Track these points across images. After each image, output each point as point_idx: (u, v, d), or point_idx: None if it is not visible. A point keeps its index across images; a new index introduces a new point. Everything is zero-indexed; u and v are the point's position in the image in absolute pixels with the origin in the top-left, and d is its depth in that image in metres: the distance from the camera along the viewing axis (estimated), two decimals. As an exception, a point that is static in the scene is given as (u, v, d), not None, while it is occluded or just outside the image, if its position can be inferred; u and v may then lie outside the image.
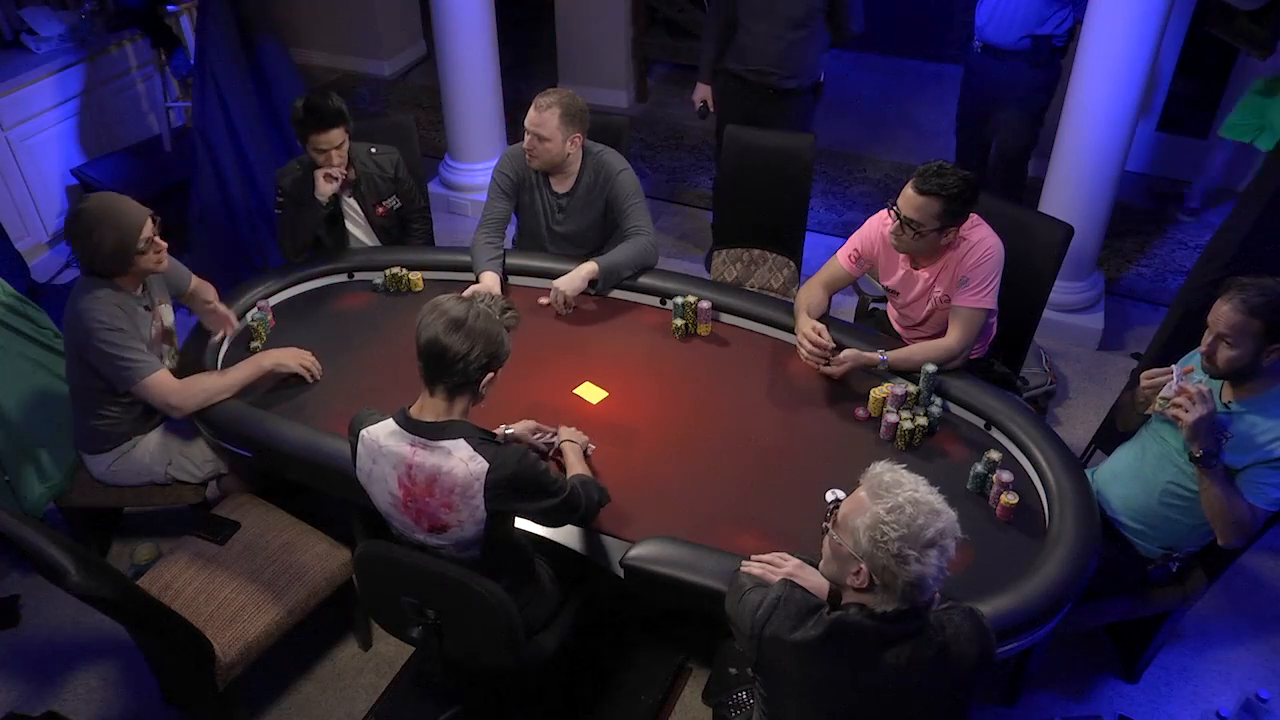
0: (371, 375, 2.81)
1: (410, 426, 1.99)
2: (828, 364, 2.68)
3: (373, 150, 3.27)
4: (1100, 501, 2.49)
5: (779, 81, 3.84)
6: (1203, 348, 2.25)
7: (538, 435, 2.46)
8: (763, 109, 3.89)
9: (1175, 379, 2.24)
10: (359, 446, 2.06)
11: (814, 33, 3.77)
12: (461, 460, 1.95)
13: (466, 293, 2.05)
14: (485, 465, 1.95)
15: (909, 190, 2.58)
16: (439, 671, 2.29)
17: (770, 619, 1.68)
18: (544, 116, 2.97)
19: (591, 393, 2.72)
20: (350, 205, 3.29)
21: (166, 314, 2.78)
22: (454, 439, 1.97)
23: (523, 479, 1.99)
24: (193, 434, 2.81)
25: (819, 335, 2.70)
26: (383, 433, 2.02)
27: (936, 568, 1.57)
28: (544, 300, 3.07)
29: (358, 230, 3.35)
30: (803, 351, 2.72)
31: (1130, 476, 2.48)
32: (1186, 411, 2.16)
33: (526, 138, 3.03)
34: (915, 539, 1.55)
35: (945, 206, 2.55)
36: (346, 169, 3.18)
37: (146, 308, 2.66)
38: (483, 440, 1.99)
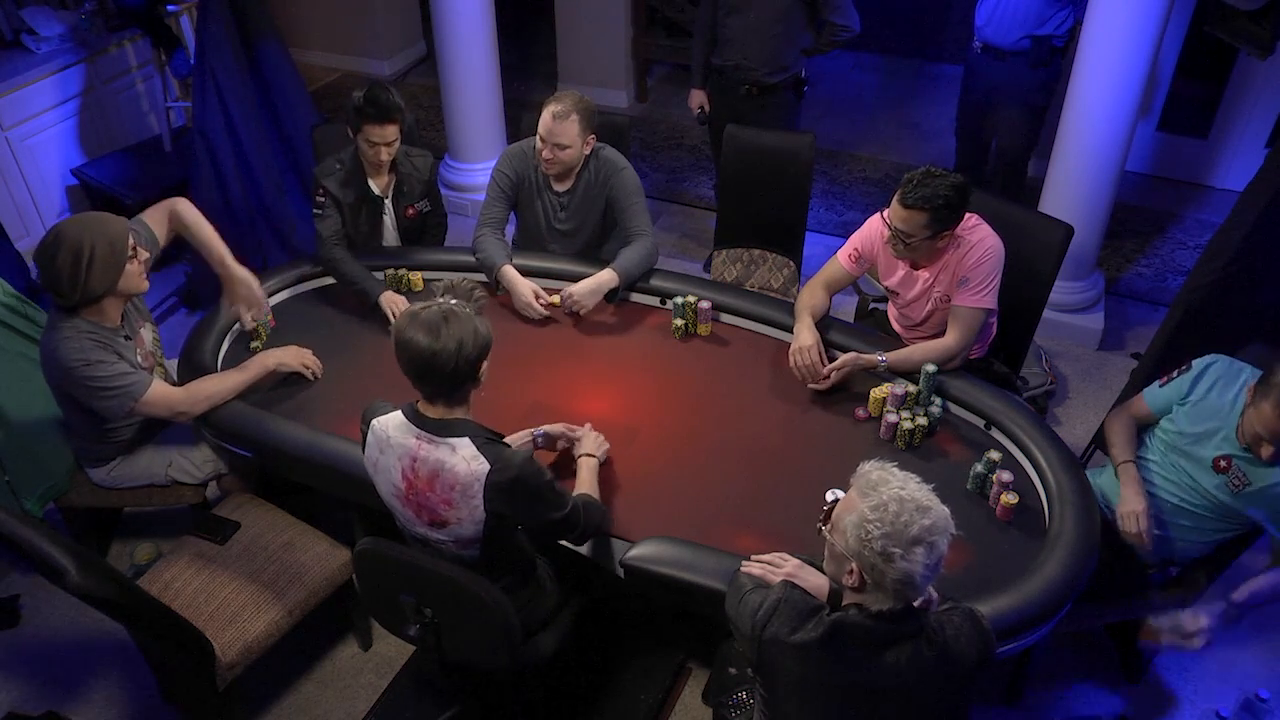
0: (371, 375, 2.81)
1: (418, 421, 2.00)
2: (813, 382, 2.68)
3: (410, 153, 3.24)
4: (1100, 502, 2.49)
5: (760, 77, 3.84)
6: (1241, 442, 2.28)
7: (561, 441, 2.48)
8: (746, 105, 3.89)
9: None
10: (369, 436, 2.08)
11: (792, 27, 3.77)
12: (464, 459, 1.96)
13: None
14: (487, 466, 1.95)
15: (896, 203, 2.57)
16: (437, 670, 2.29)
17: (770, 620, 1.68)
18: (564, 126, 2.92)
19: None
20: (386, 206, 3.28)
21: (148, 336, 2.74)
22: (459, 436, 1.97)
23: (524, 485, 1.98)
24: (193, 435, 2.81)
25: (817, 359, 2.66)
26: (392, 424, 2.03)
27: (924, 565, 1.55)
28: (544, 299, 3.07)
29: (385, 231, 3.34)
30: (793, 361, 2.70)
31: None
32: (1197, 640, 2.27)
33: (544, 148, 2.98)
34: (899, 536, 1.54)
35: (932, 217, 2.53)
36: (390, 170, 3.18)
37: (127, 337, 2.59)
38: (488, 441, 1.99)
